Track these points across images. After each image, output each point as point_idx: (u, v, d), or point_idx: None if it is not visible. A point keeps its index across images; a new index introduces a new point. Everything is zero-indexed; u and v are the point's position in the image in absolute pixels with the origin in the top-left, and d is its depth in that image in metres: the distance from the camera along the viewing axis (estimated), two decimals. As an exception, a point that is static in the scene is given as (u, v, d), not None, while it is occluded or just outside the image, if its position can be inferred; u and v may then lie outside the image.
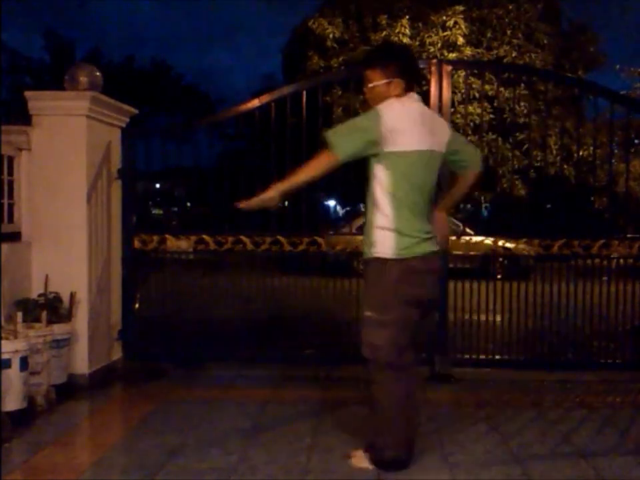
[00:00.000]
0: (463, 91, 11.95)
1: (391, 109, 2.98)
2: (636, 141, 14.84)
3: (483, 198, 14.81)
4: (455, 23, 13.50)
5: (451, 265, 4.85)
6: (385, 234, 3.01)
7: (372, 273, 3.06)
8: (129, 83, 22.17)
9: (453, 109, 5.17)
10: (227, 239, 4.90)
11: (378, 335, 3.02)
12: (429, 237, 3.09)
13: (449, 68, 4.89)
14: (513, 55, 13.94)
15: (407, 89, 3.08)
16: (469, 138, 6.74)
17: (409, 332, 3.08)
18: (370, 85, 3.11)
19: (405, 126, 2.97)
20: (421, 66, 5.90)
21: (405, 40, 13.58)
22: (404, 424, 3.09)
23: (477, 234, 5.13)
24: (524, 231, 4.93)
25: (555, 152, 12.79)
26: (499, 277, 5.87)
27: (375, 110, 3.00)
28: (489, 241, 5.00)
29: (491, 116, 13.18)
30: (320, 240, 4.90)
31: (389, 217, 3.00)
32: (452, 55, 13.19)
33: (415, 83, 3.15)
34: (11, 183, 4.39)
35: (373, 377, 3.10)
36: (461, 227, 9.25)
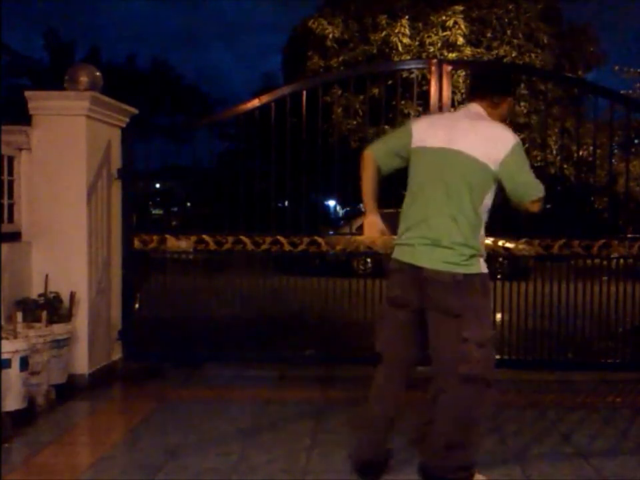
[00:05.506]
0: (463, 90, 11.94)
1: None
2: (636, 141, 14.84)
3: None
4: (455, 22, 13.50)
5: None
6: None
7: None
8: (129, 83, 22.13)
9: (453, 109, 5.16)
10: (227, 239, 4.90)
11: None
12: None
13: (449, 68, 4.89)
14: (513, 54, 13.93)
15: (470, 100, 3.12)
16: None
17: (396, 332, 2.91)
18: None
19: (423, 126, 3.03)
20: (421, 66, 5.92)
21: (405, 40, 13.59)
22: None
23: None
24: (524, 231, 4.92)
25: (555, 152, 12.79)
26: (498, 276, 5.85)
27: None
28: (488, 241, 4.99)
29: (491, 116, 13.17)
30: (320, 240, 4.90)
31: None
32: (452, 55, 13.19)
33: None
34: (11, 183, 4.39)
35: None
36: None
